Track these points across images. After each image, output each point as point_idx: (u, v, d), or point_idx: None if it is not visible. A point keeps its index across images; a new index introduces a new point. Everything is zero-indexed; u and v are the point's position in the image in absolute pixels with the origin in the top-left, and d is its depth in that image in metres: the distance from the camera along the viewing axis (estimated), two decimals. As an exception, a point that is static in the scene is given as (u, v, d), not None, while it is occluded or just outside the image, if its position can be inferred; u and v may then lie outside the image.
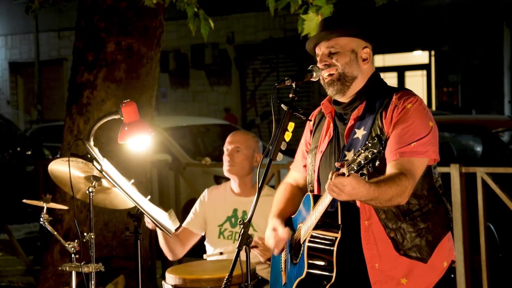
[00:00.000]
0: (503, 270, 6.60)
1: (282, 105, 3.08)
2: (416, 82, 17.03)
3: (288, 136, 3.04)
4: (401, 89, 3.19)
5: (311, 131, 3.41)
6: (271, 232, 3.32)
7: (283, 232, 3.27)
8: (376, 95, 3.17)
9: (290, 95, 3.08)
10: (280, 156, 3.03)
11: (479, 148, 8.31)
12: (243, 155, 4.40)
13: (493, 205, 5.68)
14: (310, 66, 3.17)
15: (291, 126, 3.05)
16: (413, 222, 3.08)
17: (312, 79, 3.17)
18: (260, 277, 4.21)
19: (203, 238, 4.59)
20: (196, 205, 4.57)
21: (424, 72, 17.14)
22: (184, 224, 4.53)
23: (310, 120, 3.39)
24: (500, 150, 7.99)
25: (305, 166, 3.43)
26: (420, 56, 17.13)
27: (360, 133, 3.11)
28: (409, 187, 2.96)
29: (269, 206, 4.41)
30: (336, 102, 3.27)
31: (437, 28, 15.73)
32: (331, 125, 3.28)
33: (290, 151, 3.49)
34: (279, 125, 3.04)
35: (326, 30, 3.21)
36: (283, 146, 3.03)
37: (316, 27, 5.05)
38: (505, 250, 6.64)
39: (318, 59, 3.24)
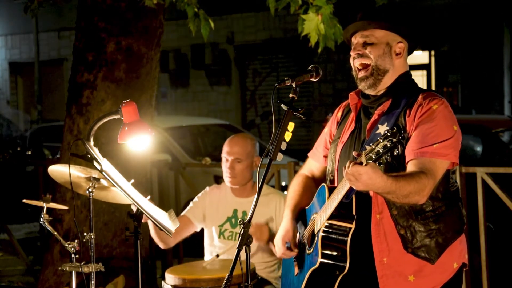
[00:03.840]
0: (503, 270, 6.60)
1: (282, 105, 3.08)
2: (416, 82, 17.01)
3: (288, 136, 3.04)
4: (428, 90, 3.22)
5: (337, 122, 3.42)
6: (285, 233, 3.36)
7: (289, 252, 3.35)
8: (403, 93, 3.19)
9: (290, 95, 3.08)
10: (280, 156, 3.04)
11: (479, 148, 8.31)
12: (243, 165, 4.38)
13: (493, 205, 5.68)
14: (310, 66, 3.17)
15: (291, 126, 3.05)
16: (425, 222, 3.08)
17: (312, 79, 3.17)
18: (260, 277, 4.21)
19: (203, 239, 4.58)
20: (198, 197, 4.57)
21: (424, 72, 17.11)
22: (183, 213, 4.54)
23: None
24: (500, 150, 8.00)
25: (325, 156, 3.45)
26: (420, 56, 17.10)
27: (382, 128, 3.11)
28: (429, 186, 2.95)
29: (268, 206, 4.41)
30: (364, 95, 3.29)
31: (437, 28, 15.71)
32: (354, 117, 3.30)
33: (290, 151, 3.49)
34: (279, 125, 3.04)
35: (364, 20, 3.22)
36: (283, 146, 3.03)
37: (316, 27, 5.11)
38: (505, 250, 6.64)
39: (352, 47, 3.26)
